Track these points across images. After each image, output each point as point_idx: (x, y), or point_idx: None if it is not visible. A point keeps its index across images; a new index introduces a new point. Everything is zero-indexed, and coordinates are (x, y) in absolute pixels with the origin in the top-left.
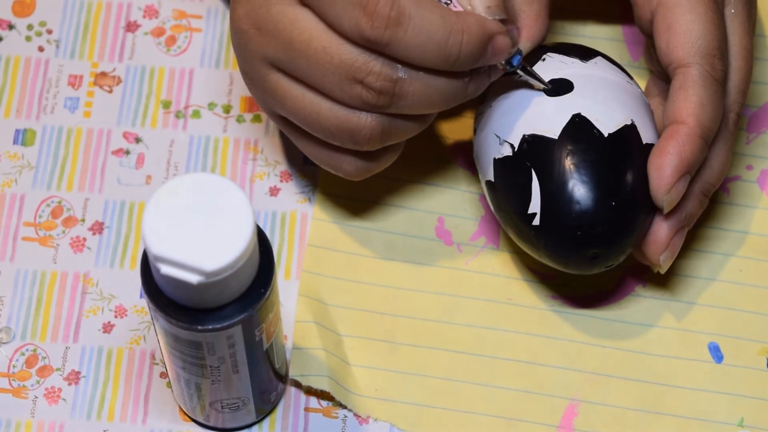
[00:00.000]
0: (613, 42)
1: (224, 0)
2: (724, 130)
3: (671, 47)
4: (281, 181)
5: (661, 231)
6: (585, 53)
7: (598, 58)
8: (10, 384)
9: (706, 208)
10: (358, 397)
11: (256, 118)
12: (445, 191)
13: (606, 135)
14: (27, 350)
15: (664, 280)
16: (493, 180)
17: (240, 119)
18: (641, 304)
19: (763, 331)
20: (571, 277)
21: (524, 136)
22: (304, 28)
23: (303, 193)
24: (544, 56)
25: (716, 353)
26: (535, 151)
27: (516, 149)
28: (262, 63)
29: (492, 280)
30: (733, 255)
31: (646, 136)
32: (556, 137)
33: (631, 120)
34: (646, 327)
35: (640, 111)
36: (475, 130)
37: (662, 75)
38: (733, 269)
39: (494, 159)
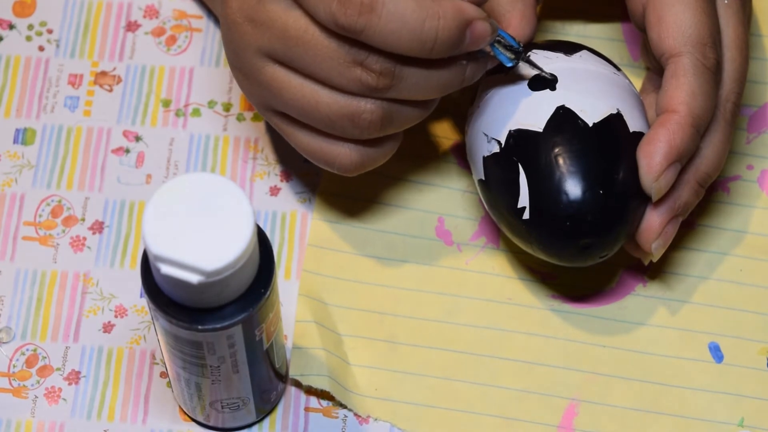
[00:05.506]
0: (614, 42)
1: (199, 3)
2: (718, 120)
3: (662, 38)
4: (281, 180)
5: (653, 218)
6: (570, 48)
7: (583, 52)
8: (11, 384)
9: (706, 207)
10: (358, 397)
11: (257, 117)
12: (445, 191)
13: (591, 125)
14: (27, 350)
15: (664, 280)
16: (483, 178)
17: (240, 117)
18: (641, 304)
19: (764, 331)
20: (571, 277)
21: (510, 131)
22: (299, 16)
23: (303, 192)
24: (528, 53)
25: (716, 353)
26: (521, 145)
27: (503, 145)
28: (257, 55)
29: (492, 280)
30: (733, 255)
31: (634, 125)
32: (541, 130)
33: (617, 109)
34: (646, 326)
35: (626, 100)
36: (465, 132)
37: (658, 70)
38: (733, 269)
39: (483, 157)
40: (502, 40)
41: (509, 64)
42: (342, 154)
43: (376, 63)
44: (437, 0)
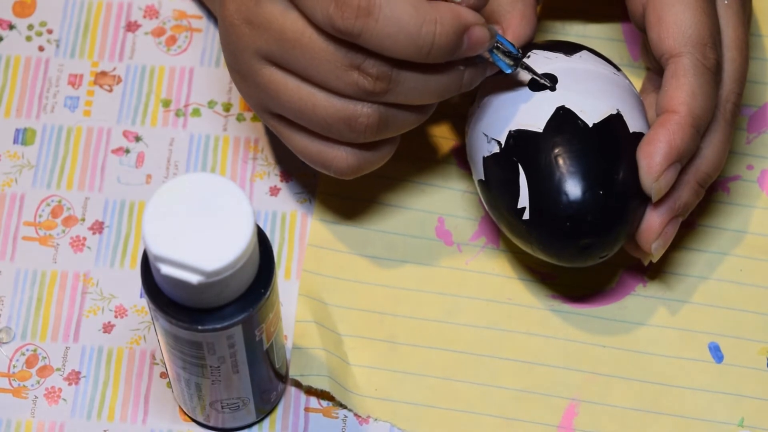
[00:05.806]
0: (614, 42)
1: (199, 3)
2: (718, 120)
3: (662, 38)
4: (281, 180)
5: (653, 219)
6: (570, 48)
7: (583, 52)
8: (10, 384)
9: (706, 207)
10: (358, 397)
11: (257, 117)
12: (445, 191)
13: (591, 125)
14: (27, 350)
15: (664, 280)
16: (483, 178)
17: (240, 118)
18: (641, 304)
19: (764, 331)
20: (571, 277)
21: (510, 132)
22: (296, 18)
23: (303, 193)
24: (529, 54)
25: (716, 353)
26: (521, 146)
27: (503, 146)
28: (255, 57)
29: (492, 280)
30: (733, 255)
31: (634, 125)
32: (541, 131)
33: (617, 110)
34: (646, 326)
35: (627, 101)
36: (465, 132)
37: (658, 70)
38: (733, 269)
39: (483, 157)
40: (500, 46)
41: (508, 71)
42: (338, 158)
43: (372, 67)
44: (435, 4)
